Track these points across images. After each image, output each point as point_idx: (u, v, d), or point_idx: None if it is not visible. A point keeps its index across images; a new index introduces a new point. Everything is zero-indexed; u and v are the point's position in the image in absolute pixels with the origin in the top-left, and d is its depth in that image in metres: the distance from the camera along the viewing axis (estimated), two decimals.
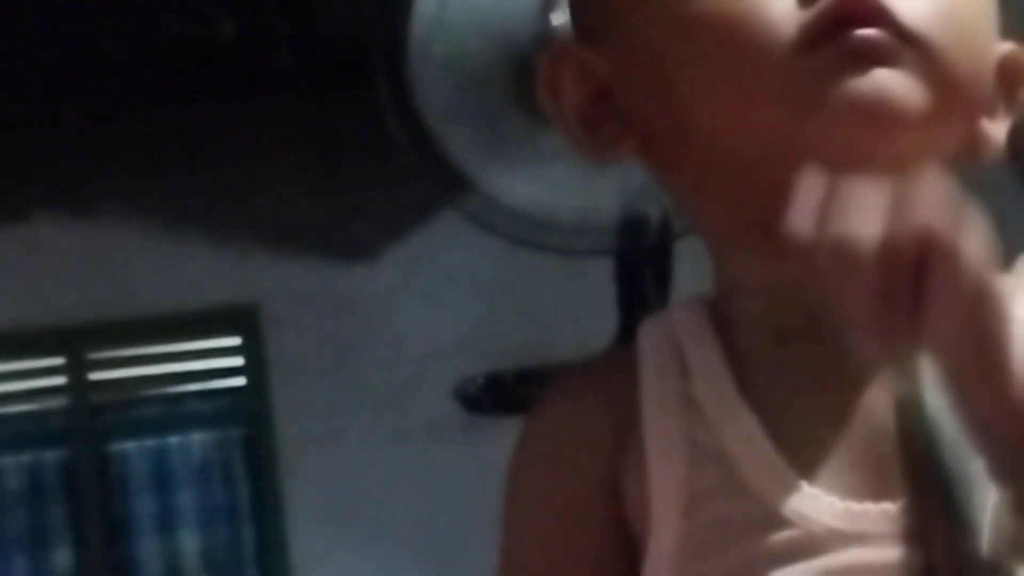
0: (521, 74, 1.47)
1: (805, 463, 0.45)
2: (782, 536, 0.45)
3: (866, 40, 0.40)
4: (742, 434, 0.46)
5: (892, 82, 0.40)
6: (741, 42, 0.42)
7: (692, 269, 0.76)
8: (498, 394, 2.15)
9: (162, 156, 3.21)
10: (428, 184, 1.72)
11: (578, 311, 2.60)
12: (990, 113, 0.48)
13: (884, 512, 0.44)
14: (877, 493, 0.44)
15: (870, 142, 0.41)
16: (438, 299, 3.22)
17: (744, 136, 0.43)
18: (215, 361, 3.52)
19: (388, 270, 3.31)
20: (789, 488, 0.45)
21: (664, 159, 0.47)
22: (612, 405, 0.48)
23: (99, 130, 3.13)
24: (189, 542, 3.39)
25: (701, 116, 0.44)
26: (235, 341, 3.43)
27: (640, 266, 1.61)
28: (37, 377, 3.49)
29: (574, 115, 0.48)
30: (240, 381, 3.48)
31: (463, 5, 1.48)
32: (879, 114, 0.40)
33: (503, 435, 0.69)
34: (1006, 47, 0.49)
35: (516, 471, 0.52)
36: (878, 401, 0.44)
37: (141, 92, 2.77)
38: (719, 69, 0.43)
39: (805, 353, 0.45)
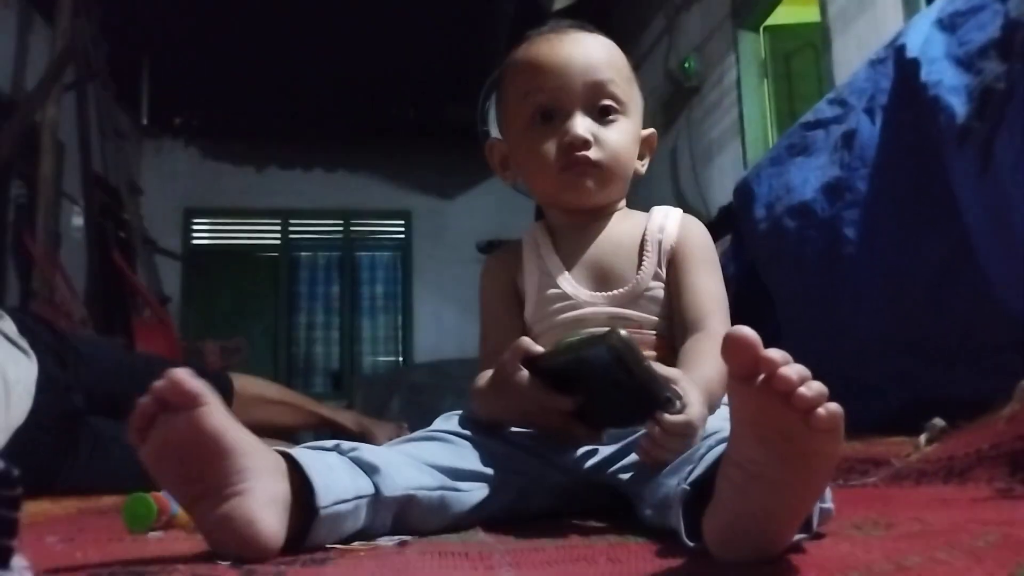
0: None
1: (573, 272, 0.91)
2: (564, 301, 0.90)
3: (577, 163, 0.88)
4: (554, 262, 0.93)
5: (586, 178, 0.90)
6: (539, 164, 0.91)
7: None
8: (487, 250, 4.29)
9: (357, 152, 6.38)
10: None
11: None
12: (642, 160, 0.97)
13: (602, 296, 0.89)
14: (599, 287, 0.90)
15: (586, 199, 0.91)
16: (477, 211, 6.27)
17: (544, 194, 0.95)
18: (384, 231, 6.72)
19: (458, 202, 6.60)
20: (566, 281, 0.91)
21: (528, 184, 0.95)
22: (513, 258, 0.96)
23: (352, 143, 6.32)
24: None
25: (531, 184, 0.94)
26: (399, 222, 6.76)
27: None
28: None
29: (496, 165, 0.98)
30: (401, 237, 6.75)
31: None
32: (582, 188, 0.89)
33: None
34: (647, 131, 0.96)
35: (481, 280, 0.99)
36: (605, 248, 0.91)
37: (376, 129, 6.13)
38: (532, 174, 0.94)
39: (572, 232, 0.93)
